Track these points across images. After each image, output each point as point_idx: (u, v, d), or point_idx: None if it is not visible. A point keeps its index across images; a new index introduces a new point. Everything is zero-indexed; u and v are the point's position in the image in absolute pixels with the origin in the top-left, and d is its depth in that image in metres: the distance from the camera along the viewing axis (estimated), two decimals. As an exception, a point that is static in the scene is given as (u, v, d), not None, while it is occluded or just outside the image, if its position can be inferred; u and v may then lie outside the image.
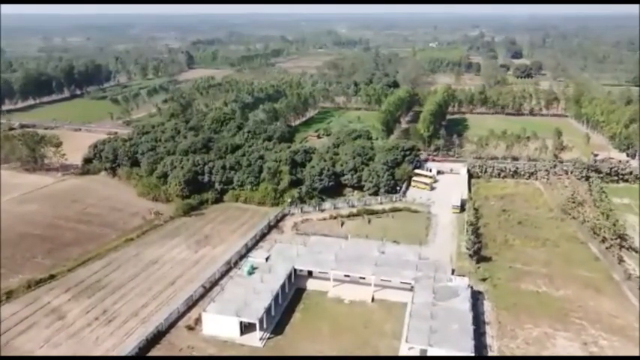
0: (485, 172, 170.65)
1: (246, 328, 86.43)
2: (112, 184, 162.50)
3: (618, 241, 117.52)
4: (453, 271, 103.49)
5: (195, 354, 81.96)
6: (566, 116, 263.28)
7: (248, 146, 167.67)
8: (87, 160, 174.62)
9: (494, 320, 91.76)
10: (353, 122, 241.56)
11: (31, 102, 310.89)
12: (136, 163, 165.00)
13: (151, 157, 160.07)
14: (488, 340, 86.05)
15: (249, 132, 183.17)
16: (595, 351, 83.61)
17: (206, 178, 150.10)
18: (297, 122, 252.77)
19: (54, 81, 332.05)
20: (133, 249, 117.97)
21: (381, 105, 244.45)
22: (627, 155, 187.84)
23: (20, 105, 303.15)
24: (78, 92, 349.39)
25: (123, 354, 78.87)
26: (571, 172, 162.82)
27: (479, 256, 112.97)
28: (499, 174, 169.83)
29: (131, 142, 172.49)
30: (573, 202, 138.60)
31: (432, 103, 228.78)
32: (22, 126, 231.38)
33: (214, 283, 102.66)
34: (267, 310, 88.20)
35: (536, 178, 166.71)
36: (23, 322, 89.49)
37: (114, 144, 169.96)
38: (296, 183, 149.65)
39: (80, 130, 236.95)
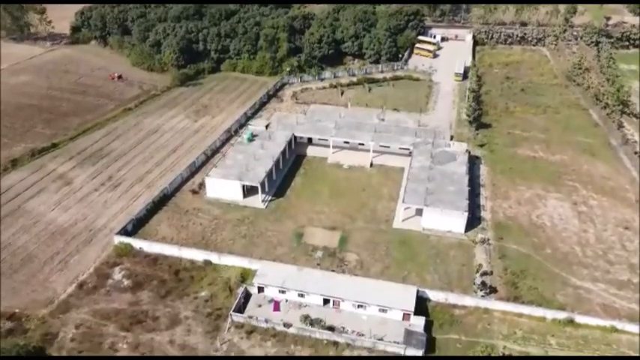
0: (492, 38, 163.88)
1: (248, 191, 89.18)
2: (104, 53, 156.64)
3: (620, 107, 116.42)
4: (451, 138, 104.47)
5: (201, 215, 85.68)
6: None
7: (243, 12, 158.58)
8: (75, 29, 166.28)
9: (489, 183, 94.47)
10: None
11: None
12: (126, 32, 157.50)
13: (141, 24, 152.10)
14: (482, 201, 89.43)
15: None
16: (584, 210, 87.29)
17: (201, 47, 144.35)
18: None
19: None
20: (132, 119, 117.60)
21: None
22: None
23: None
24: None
25: (131, 216, 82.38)
26: (581, 38, 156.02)
27: (478, 122, 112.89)
28: (505, 40, 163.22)
29: (119, 8, 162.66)
30: (579, 69, 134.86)
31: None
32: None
33: (215, 151, 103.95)
34: (269, 175, 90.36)
35: (544, 45, 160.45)
36: (32, 187, 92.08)
37: (101, 10, 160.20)
38: (295, 51, 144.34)
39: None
